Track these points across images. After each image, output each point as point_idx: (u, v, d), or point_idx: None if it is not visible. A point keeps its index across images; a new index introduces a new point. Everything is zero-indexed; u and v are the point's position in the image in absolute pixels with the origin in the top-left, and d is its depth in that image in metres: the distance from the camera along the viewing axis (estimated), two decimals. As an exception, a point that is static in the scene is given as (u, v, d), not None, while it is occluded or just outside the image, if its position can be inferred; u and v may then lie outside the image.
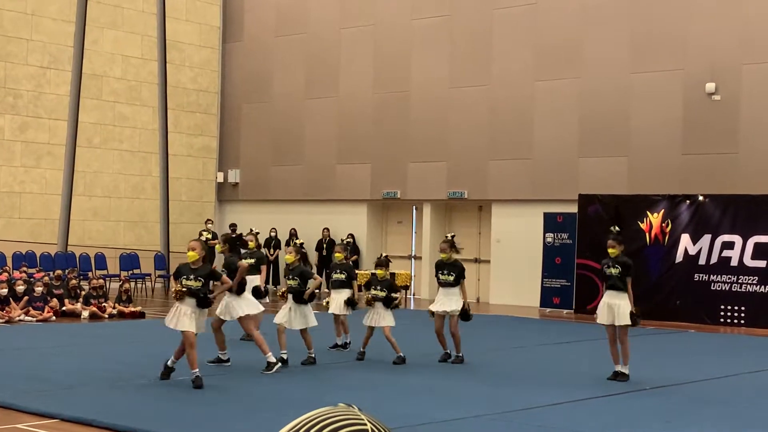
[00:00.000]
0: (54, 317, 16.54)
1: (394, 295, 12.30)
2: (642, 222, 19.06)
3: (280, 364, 11.12)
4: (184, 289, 9.93)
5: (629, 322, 10.75)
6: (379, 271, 12.39)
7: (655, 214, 18.92)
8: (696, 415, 9.34)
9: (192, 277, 10.04)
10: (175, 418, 8.40)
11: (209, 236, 20.75)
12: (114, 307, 17.20)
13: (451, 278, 12.16)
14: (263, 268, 14.11)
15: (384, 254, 13.08)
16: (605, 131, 20.53)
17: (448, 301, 12.14)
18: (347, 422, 1.33)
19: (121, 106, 24.27)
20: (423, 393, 9.92)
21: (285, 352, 11.41)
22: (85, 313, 17.05)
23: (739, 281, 18.06)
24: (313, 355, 11.76)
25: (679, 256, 18.65)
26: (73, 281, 17.68)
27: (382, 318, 12.12)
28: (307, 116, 25.03)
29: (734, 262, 18.10)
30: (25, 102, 22.52)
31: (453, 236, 13.05)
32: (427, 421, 8.53)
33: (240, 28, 26.52)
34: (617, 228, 11.58)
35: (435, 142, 22.78)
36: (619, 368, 11.02)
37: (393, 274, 13.56)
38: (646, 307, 19.13)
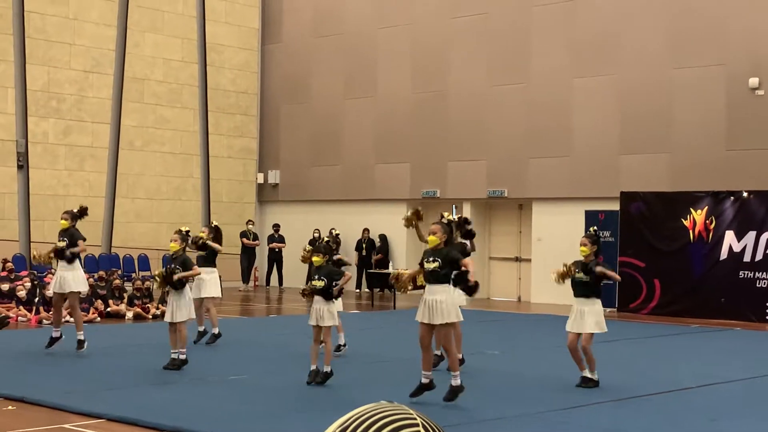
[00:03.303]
0: (99, 318, 16.73)
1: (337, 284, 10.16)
2: (685, 219, 18.85)
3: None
4: None
5: (594, 330, 10.42)
6: (315, 258, 10.27)
7: (699, 211, 18.69)
8: (741, 413, 9.22)
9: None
10: (217, 417, 8.45)
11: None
12: (158, 308, 17.35)
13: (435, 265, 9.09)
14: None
15: (327, 238, 10.55)
16: (646, 128, 20.31)
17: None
18: (399, 418, 1.31)
19: (162, 108, 24.49)
20: (464, 392, 9.85)
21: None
22: (130, 314, 17.24)
23: (785, 278, 17.78)
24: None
25: (724, 254, 18.41)
26: (117, 282, 17.87)
27: (324, 316, 10.08)
28: (345, 116, 25.07)
29: (780, 259, 17.82)
30: (68, 106, 22.82)
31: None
32: (468, 421, 8.51)
33: (278, 29, 26.63)
34: (595, 228, 11.53)
35: (474, 141, 22.70)
36: (586, 374, 10.34)
37: (332, 261, 10.72)
38: (690, 305, 18.97)
